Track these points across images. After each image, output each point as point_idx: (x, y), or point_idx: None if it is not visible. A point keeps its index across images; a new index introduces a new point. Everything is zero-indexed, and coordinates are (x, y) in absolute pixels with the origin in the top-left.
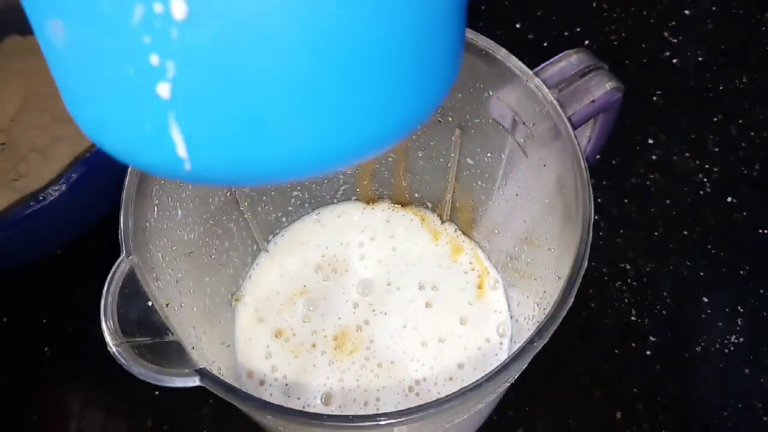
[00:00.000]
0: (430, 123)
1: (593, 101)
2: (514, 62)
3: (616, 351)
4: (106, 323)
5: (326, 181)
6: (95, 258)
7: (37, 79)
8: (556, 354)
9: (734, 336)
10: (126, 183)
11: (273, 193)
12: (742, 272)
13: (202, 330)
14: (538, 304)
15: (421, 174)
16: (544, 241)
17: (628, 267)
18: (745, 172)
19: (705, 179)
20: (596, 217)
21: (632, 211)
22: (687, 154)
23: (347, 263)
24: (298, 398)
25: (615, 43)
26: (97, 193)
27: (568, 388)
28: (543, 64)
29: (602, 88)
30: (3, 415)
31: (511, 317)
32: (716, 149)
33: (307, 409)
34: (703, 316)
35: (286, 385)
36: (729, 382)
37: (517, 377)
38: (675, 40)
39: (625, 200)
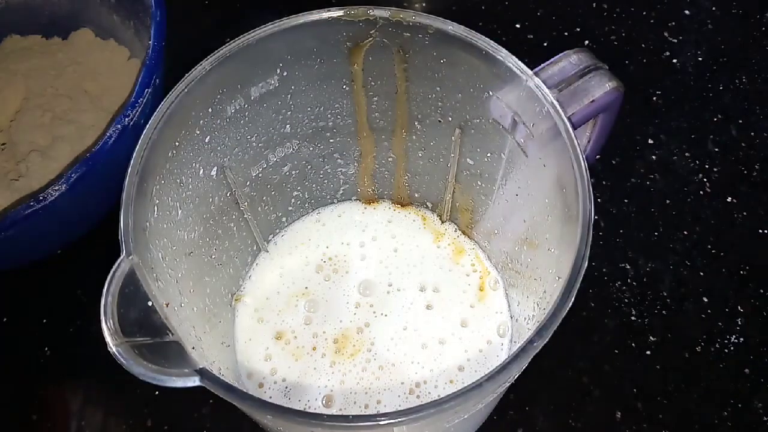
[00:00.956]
0: (430, 123)
1: (593, 101)
2: (514, 62)
3: (616, 351)
4: (106, 323)
5: (326, 181)
6: (95, 258)
7: (37, 79)
8: (556, 354)
9: (734, 336)
10: (126, 183)
11: (273, 193)
12: (742, 272)
13: (202, 330)
14: (538, 304)
15: (421, 174)
16: (544, 241)
17: (627, 267)
18: (745, 172)
19: (705, 179)
20: (596, 217)
21: (632, 211)
22: (687, 154)
23: (348, 264)
24: (299, 400)
25: (615, 43)
26: (97, 193)
27: (568, 387)
28: (543, 64)
29: (602, 88)
30: (3, 415)
31: (511, 317)
32: (716, 149)
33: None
34: (703, 316)
35: (287, 387)
36: (729, 382)
37: (517, 377)
38: (675, 40)
39: (625, 200)
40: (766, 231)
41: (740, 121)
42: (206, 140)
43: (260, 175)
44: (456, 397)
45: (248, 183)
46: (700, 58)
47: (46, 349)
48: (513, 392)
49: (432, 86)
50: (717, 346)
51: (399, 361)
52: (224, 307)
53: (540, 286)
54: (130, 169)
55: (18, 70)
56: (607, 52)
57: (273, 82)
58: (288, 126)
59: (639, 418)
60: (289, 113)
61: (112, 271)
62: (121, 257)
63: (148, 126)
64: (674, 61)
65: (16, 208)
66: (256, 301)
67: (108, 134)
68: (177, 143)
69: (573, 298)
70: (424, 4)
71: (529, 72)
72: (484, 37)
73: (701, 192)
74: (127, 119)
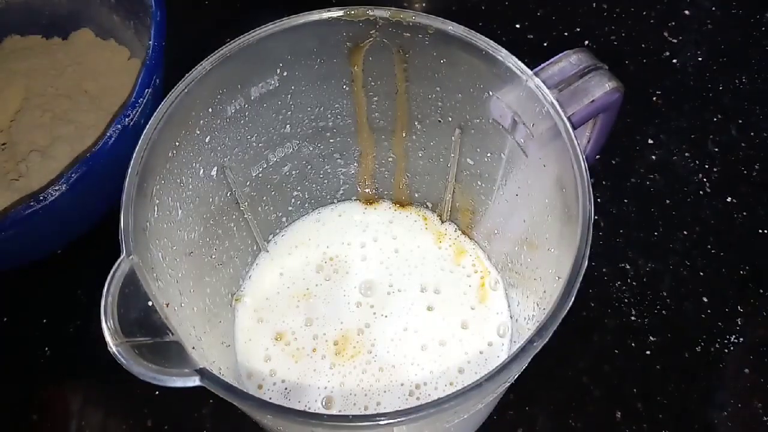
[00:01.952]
0: (430, 123)
1: (593, 101)
2: (514, 62)
3: (616, 351)
4: (106, 323)
5: (326, 181)
6: (95, 258)
7: (37, 79)
8: (555, 354)
9: (734, 336)
10: (126, 183)
11: (273, 193)
12: (742, 272)
13: (203, 330)
14: (537, 304)
15: (421, 174)
16: (544, 241)
17: (627, 267)
18: (745, 172)
19: (705, 179)
20: (596, 217)
21: (632, 211)
22: (687, 154)
23: (349, 264)
24: (299, 402)
25: (615, 43)
26: (97, 192)
27: (568, 388)
28: (543, 64)
29: (602, 88)
30: (3, 415)
31: (511, 317)
32: (716, 149)
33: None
34: (703, 316)
35: (286, 389)
36: (729, 382)
37: (517, 377)
38: (675, 40)
39: (625, 200)
40: (766, 231)
41: (740, 121)
42: (206, 140)
43: (260, 175)
44: (456, 397)
45: (248, 183)
46: (700, 58)
47: (46, 349)
48: (513, 392)
49: (432, 86)
50: (717, 346)
51: (399, 363)
52: (224, 307)
53: (540, 286)
54: (130, 169)
55: (18, 70)
56: (607, 52)
57: (273, 82)
58: (288, 126)
59: (639, 418)
60: (289, 113)
61: (112, 271)
62: (122, 257)
63: (148, 126)
64: (674, 61)
65: (16, 208)
66: (255, 301)
67: (108, 134)
68: (177, 143)
69: (573, 298)
70: (424, 4)
71: (529, 72)
72: (484, 37)
73: (701, 192)
74: (127, 119)
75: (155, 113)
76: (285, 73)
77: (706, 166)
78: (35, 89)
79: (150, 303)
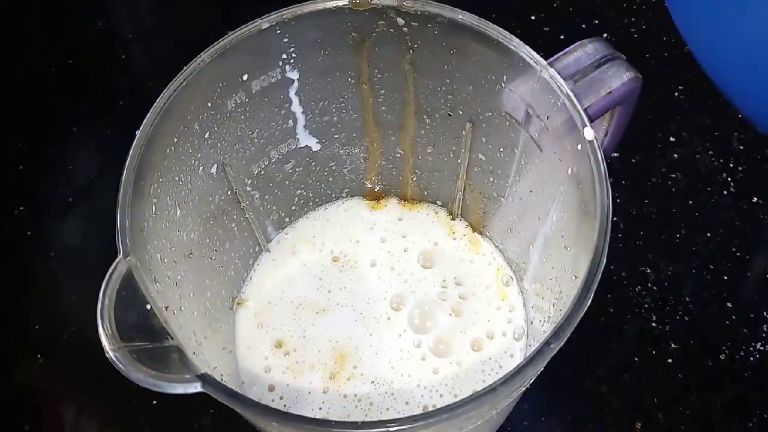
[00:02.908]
0: (439, 117)
1: (610, 92)
2: (527, 52)
3: (636, 359)
4: (102, 327)
5: (331, 179)
6: (90, 260)
7: None
8: (572, 362)
9: (760, 343)
10: (123, 181)
11: (276, 191)
12: None
13: (203, 335)
14: (554, 305)
15: (430, 171)
16: (559, 239)
17: (648, 270)
18: None
19: (729, 179)
20: (615, 218)
21: (653, 212)
22: (710, 153)
23: (355, 265)
24: (301, 410)
25: (635, 35)
26: None
27: (586, 397)
28: (557, 54)
29: (620, 78)
30: None
31: (526, 320)
32: (741, 147)
33: None
34: (727, 322)
35: (285, 405)
36: (755, 392)
37: (533, 386)
38: None
39: (646, 200)
40: None
41: None
42: (206, 136)
43: (262, 172)
44: (470, 402)
45: (249, 181)
46: None
47: (39, 356)
48: (528, 401)
49: (441, 78)
50: (742, 353)
51: (405, 383)
52: (225, 311)
53: (556, 286)
54: (126, 166)
55: None
56: (626, 45)
57: (275, 75)
58: (290, 121)
59: (660, 428)
60: (291, 107)
61: (108, 273)
62: (118, 258)
63: (145, 121)
64: None
65: None
66: (257, 305)
67: None
68: (175, 139)
69: (591, 298)
70: None
71: (543, 62)
72: (495, 26)
73: (725, 192)
74: None
75: (152, 108)
76: (287, 66)
77: (731, 165)
78: None
79: (148, 306)
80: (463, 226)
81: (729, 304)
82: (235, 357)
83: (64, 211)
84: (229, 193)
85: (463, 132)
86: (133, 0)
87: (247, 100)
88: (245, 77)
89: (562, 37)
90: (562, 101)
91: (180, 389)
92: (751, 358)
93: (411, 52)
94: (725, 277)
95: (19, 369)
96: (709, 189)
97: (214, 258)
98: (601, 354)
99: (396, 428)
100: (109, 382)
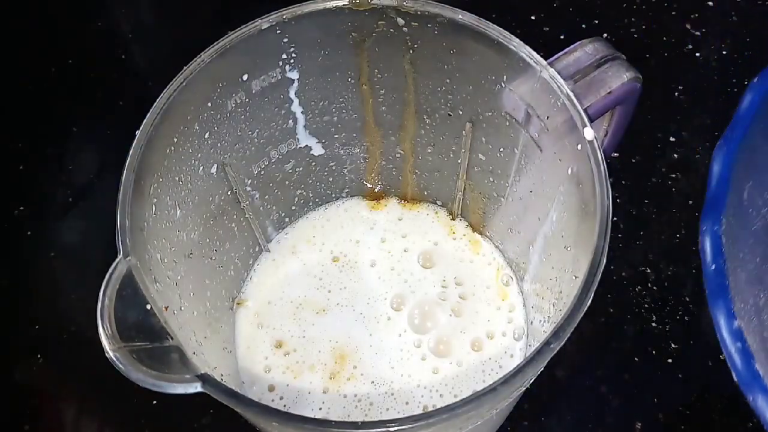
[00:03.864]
0: (439, 117)
1: (610, 92)
2: (527, 52)
3: (636, 359)
4: (102, 327)
5: (331, 179)
6: (90, 260)
7: None
8: (572, 362)
9: None
10: (123, 181)
11: (276, 191)
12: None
13: (203, 335)
14: (554, 305)
15: (430, 170)
16: (559, 239)
17: (648, 271)
18: None
19: None
20: (614, 219)
21: (653, 212)
22: (710, 153)
23: (355, 265)
24: (301, 410)
25: (635, 35)
26: None
27: (586, 397)
28: (557, 54)
29: (620, 78)
30: None
31: (526, 320)
32: None
33: None
34: None
35: (285, 405)
36: None
37: (532, 386)
38: (698, 33)
39: (645, 200)
40: None
41: None
42: (206, 136)
43: (262, 172)
44: (470, 402)
45: (249, 181)
46: (724, 52)
47: (39, 356)
48: (528, 402)
49: (441, 78)
50: None
51: (405, 383)
52: (225, 311)
53: (556, 286)
54: (126, 166)
55: None
56: (627, 45)
57: (275, 75)
58: (290, 121)
59: (660, 429)
60: (291, 107)
61: (108, 273)
62: (118, 258)
63: (145, 121)
64: (697, 54)
65: None
66: (257, 305)
67: None
68: (175, 139)
69: (591, 297)
70: None
71: (543, 62)
72: (495, 26)
73: None
74: None
75: (152, 108)
76: (287, 66)
77: None
78: None
79: (148, 306)
80: (463, 226)
81: None
82: (235, 357)
83: (64, 211)
84: (229, 193)
85: (463, 132)
86: (133, 0)
87: (247, 100)
88: (245, 77)
89: (562, 37)
90: (562, 101)
91: (180, 389)
92: None
93: (411, 52)
94: None
95: (19, 369)
96: None
97: (214, 258)
98: (600, 354)
99: (396, 428)
100: (109, 382)
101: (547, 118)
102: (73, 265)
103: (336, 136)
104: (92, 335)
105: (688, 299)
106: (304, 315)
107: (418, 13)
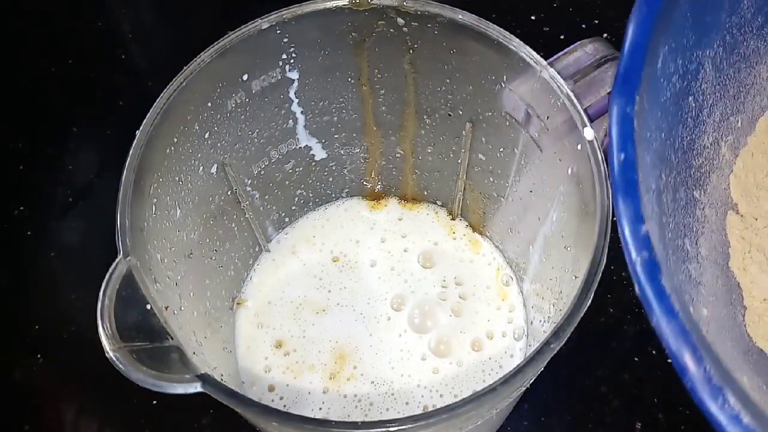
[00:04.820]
0: (439, 117)
1: (610, 92)
2: (527, 52)
3: (636, 359)
4: (102, 327)
5: (331, 179)
6: (90, 260)
7: None
8: (573, 362)
9: None
10: (123, 181)
11: (276, 191)
12: None
13: (203, 335)
14: (554, 305)
15: (430, 170)
16: (559, 239)
17: None
18: None
19: None
20: (614, 219)
21: None
22: None
23: (355, 266)
24: (301, 410)
25: None
26: None
27: (586, 397)
28: (557, 54)
29: None
30: None
31: (526, 320)
32: None
33: None
34: None
35: (285, 405)
36: None
37: (533, 386)
38: None
39: None
40: None
41: None
42: (206, 136)
43: (262, 172)
44: (470, 402)
45: (249, 181)
46: None
47: (39, 356)
48: (528, 402)
49: (441, 78)
50: None
51: (405, 383)
52: (225, 311)
53: (556, 286)
54: (126, 166)
55: None
56: None
57: (275, 75)
58: (290, 121)
59: (660, 428)
60: (291, 107)
61: (108, 273)
62: (118, 258)
63: (145, 121)
64: None
65: None
66: (256, 305)
67: None
68: (175, 139)
69: (591, 298)
70: None
71: (543, 62)
72: (495, 26)
73: None
74: None
75: (152, 107)
76: (287, 66)
77: None
78: None
79: (148, 306)
80: (463, 226)
81: None
82: (235, 357)
83: (64, 211)
84: (229, 193)
85: (463, 132)
86: (133, 0)
87: (247, 100)
88: (245, 77)
89: (562, 37)
90: (562, 101)
91: (180, 389)
92: None
93: (411, 52)
94: None
95: (19, 369)
96: None
97: (214, 258)
98: (600, 354)
99: (396, 428)
100: (109, 382)
101: (547, 118)
102: (73, 265)
103: (336, 136)
104: (92, 335)
105: None
106: (304, 315)
107: (418, 13)
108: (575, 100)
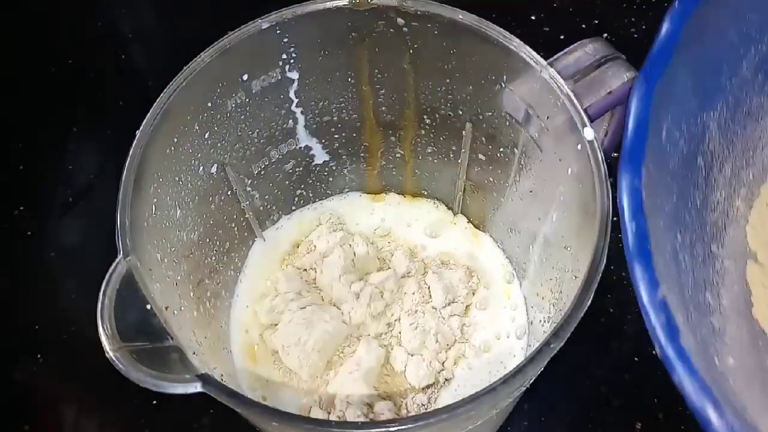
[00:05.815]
0: (440, 117)
1: (610, 92)
2: (527, 52)
3: (636, 359)
4: (102, 327)
5: (331, 179)
6: (90, 260)
7: None
8: (573, 362)
9: None
10: (123, 181)
11: (276, 191)
12: None
13: (203, 335)
14: (554, 305)
15: (430, 171)
16: (560, 239)
17: None
18: None
19: None
20: (614, 219)
21: None
22: None
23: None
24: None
25: (635, 35)
26: None
27: (586, 397)
28: (557, 54)
29: (620, 78)
30: None
31: (527, 320)
32: None
33: None
34: None
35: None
36: None
37: (533, 386)
38: None
39: None
40: None
41: None
42: (206, 136)
43: (262, 172)
44: (470, 402)
45: (249, 181)
46: None
47: (39, 356)
48: (528, 402)
49: (442, 78)
50: None
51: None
52: (225, 311)
53: (556, 286)
54: (126, 166)
55: None
56: (627, 45)
57: (275, 75)
58: (290, 121)
59: (660, 428)
60: (291, 107)
61: (109, 273)
62: (118, 258)
63: (145, 121)
64: None
65: None
66: (255, 304)
67: None
68: (176, 139)
69: (591, 297)
70: None
71: (543, 62)
72: (495, 26)
73: None
74: None
75: (152, 107)
76: (287, 66)
77: None
78: None
79: (148, 306)
80: (464, 226)
81: None
82: (233, 356)
83: (64, 211)
84: (229, 193)
85: (463, 132)
86: (133, 0)
87: (247, 100)
88: (245, 77)
89: (562, 37)
90: (562, 101)
91: (180, 389)
92: None
93: (411, 52)
94: None
95: (19, 369)
96: None
97: (214, 258)
98: (600, 354)
99: (396, 428)
100: (109, 382)
101: (547, 118)
102: (73, 265)
103: (336, 136)
104: (92, 335)
105: None
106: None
107: (418, 13)
108: (575, 100)
